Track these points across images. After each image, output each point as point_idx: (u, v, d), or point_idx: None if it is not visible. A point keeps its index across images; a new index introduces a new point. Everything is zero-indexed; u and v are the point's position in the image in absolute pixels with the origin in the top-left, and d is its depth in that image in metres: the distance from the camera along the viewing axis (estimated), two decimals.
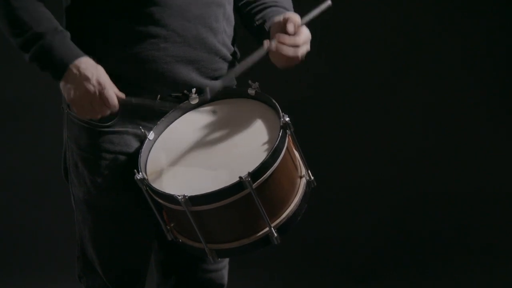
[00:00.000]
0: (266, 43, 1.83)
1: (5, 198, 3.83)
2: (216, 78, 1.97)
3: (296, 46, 1.82)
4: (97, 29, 1.87)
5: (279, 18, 1.87)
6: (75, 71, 1.77)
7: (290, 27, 1.82)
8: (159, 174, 1.84)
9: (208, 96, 1.89)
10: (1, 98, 3.83)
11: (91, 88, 1.77)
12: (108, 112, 1.81)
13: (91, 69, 1.77)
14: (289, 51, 1.82)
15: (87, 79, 1.77)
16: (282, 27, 1.84)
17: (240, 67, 1.85)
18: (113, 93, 1.79)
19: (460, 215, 3.71)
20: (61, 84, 1.79)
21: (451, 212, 3.73)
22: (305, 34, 1.85)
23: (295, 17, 1.84)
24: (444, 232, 3.67)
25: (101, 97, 1.78)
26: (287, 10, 1.96)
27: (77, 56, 1.78)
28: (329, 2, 1.86)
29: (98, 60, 1.86)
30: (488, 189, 3.76)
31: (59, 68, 1.78)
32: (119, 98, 1.80)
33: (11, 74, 3.70)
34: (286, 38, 1.82)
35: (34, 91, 3.59)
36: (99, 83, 1.77)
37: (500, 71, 3.90)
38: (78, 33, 1.89)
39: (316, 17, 1.86)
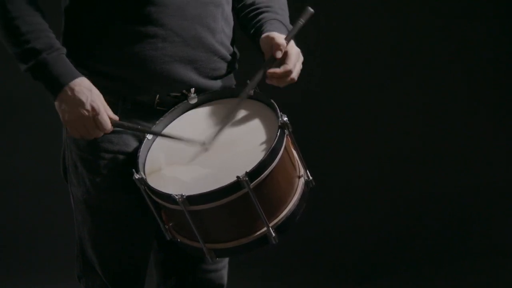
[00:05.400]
0: (263, 68, 1.86)
1: (5, 198, 3.83)
2: (215, 78, 1.97)
3: (288, 73, 1.85)
4: (95, 30, 1.87)
5: (264, 35, 1.89)
6: (69, 93, 1.78)
7: (278, 55, 1.85)
8: (158, 173, 1.84)
9: None
10: (1, 98, 3.83)
11: (85, 113, 1.78)
12: (101, 134, 1.82)
13: (85, 92, 1.78)
14: (283, 79, 1.86)
15: (81, 103, 1.78)
16: (269, 49, 1.87)
17: (245, 91, 1.88)
18: (106, 117, 1.80)
19: (460, 215, 3.71)
20: (56, 104, 1.81)
21: (451, 212, 3.73)
22: (294, 54, 1.87)
23: (279, 41, 1.85)
24: (444, 232, 3.67)
25: (95, 122, 1.79)
26: (279, 15, 1.96)
27: (72, 77, 1.79)
28: (311, 11, 1.87)
29: (97, 61, 1.87)
30: (488, 189, 3.76)
31: (53, 87, 1.79)
32: (112, 121, 1.81)
33: (11, 74, 3.70)
34: (277, 71, 1.85)
35: (34, 91, 3.57)
36: (93, 109, 1.78)
37: (499, 71, 3.90)
38: (76, 33, 1.90)
39: (301, 27, 1.87)
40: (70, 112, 1.78)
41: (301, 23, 1.87)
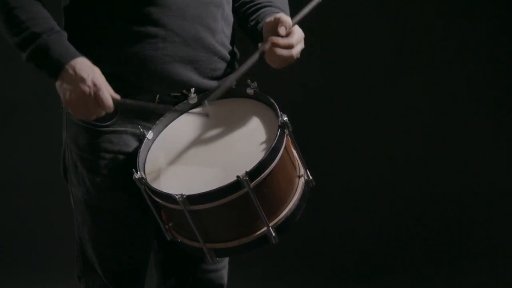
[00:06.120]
0: (260, 45, 1.85)
1: (5, 198, 3.83)
2: (215, 78, 1.97)
3: (290, 46, 1.83)
4: (95, 29, 1.87)
5: (270, 18, 1.88)
6: (70, 71, 1.77)
7: (282, 30, 1.84)
8: (158, 173, 1.84)
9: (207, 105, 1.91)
10: (1, 98, 3.83)
11: (86, 89, 1.76)
12: (103, 113, 1.80)
13: (86, 70, 1.77)
14: (283, 52, 1.84)
15: (82, 80, 1.76)
16: (274, 29, 1.85)
17: (237, 72, 1.86)
18: (108, 94, 1.78)
19: (460, 215, 3.71)
20: (57, 84, 1.79)
21: (451, 212, 3.73)
22: (298, 34, 1.86)
23: (286, 18, 1.85)
24: (444, 231, 3.67)
25: (96, 98, 1.77)
26: (281, 10, 1.96)
27: (74, 56, 1.78)
28: None
29: (97, 61, 1.87)
30: (488, 189, 3.76)
31: (55, 68, 1.77)
32: (114, 100, 1.79)
33: (11, 74, 3.71)
34: (280, 40, 1.83)
35: (34, 91, 3.59)
36: (94, 84, 1.76)
37: (499, 71, 3.90)
38: (76, 33, 1.89)
39: (308, 13, 1.86)
40: (71, 90, 1.77)
41: (308, 9, 1.86)
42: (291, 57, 1.85)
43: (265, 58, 1.87)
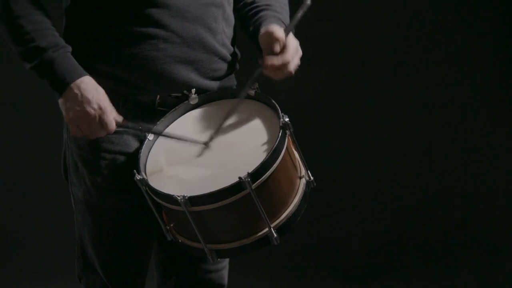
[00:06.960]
0: (260, 62, 1.86)
1: (5, 198, 3.83)
2: (215, 79, 1.97)
3: (286, 64, 1.84)
4: (96, 30, 1.87)
5: (263, 31, 1.88)
6: (76, 91, 1.78)
7: (276, 48, 1.84)
8: (159, 174, 1.84)
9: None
10: (1, 98, 3.83)
11: (91, 111, 1.78)
12: (104, 134, 1.82)
13: (92, 91, 1.78)
14: (280, 71, 1.85)
15: (88, 101, 1.77)
16: (268, 44, 1.86)
17: (245, 89, 1.88)
18: (112, 118, 1.80)
19: (460, 215, 3.71)
20: (60, 101, 1.80)
21: (450, 212, 3.73)
22: (292, 46, 1.86)
23: (278, 34, 1.84)
24: (444, 232, 3.67)
25: (101, 121, 1.79)
26: (279, 13, 1.96)
27: (79, 75, 1.79)
28: (308, 3, 1.86)
29: (98, 61, 1.87)
30: (488, 189, 3.76)
31: (59, 85, 1.79)
32: (116, 122, 1.81)
33: (11, 74, 3.70)
34: (275, 60, 1.83)
35: (34, 91, 3.58)
36: (100, 107, 1.78)
37: (500, 71, 3.89)
38: (77, 33, 1.90)
39: (299, 20, 1.86)
40: (76, 110, 1.78)
41: (299, 15, 1.86)
42: (289, 72, 1.86)
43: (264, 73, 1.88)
